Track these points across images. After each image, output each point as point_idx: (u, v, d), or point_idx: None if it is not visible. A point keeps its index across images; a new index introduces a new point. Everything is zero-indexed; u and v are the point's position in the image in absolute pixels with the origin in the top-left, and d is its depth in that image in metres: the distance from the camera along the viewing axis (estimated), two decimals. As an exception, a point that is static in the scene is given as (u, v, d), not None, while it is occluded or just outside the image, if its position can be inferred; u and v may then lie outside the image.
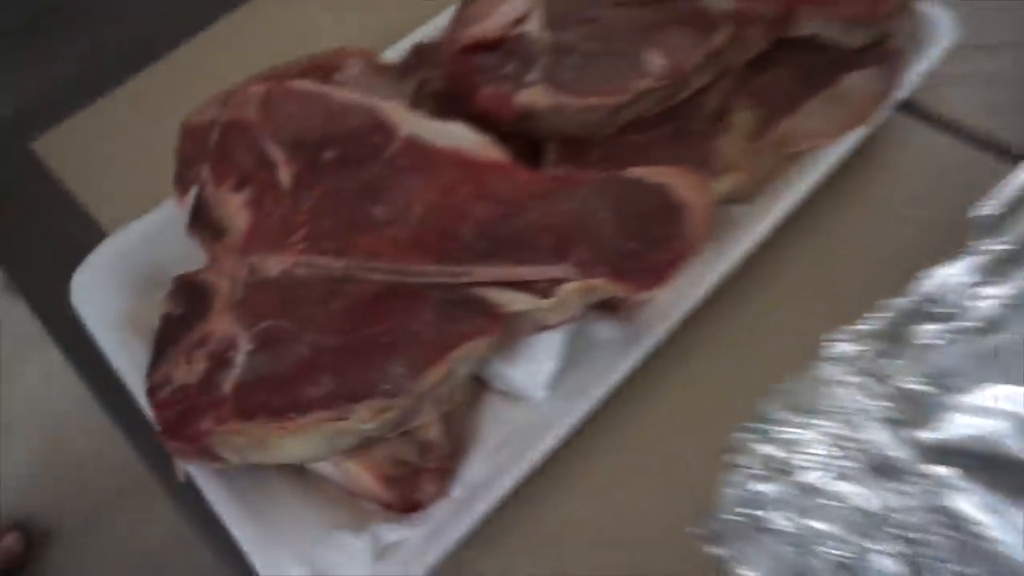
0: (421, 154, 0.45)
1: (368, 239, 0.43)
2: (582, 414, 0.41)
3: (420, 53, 0.55)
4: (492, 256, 0.42)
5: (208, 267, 0.44)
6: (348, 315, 0.40)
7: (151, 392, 0.40)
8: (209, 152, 0.47)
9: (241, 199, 0.45)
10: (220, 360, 0.40)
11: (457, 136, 0.45)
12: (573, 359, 0.44)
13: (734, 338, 0.47)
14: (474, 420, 0.43)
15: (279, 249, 0.43)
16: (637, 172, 0.44)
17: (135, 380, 0.44)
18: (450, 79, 0.52)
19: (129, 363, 0.45)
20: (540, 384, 0.43)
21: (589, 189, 0.43)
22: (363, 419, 0.38)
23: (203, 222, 0.45)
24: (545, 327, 0.43)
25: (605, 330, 0.45)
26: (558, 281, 0.41)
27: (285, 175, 0.46)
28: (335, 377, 0.38)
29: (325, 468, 0.41)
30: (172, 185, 0.50)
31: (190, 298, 0.43)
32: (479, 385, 0.44)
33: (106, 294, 0.48)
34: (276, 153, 0.46)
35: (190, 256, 0.50)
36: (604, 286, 0.40)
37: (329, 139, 0.46)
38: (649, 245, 0.41)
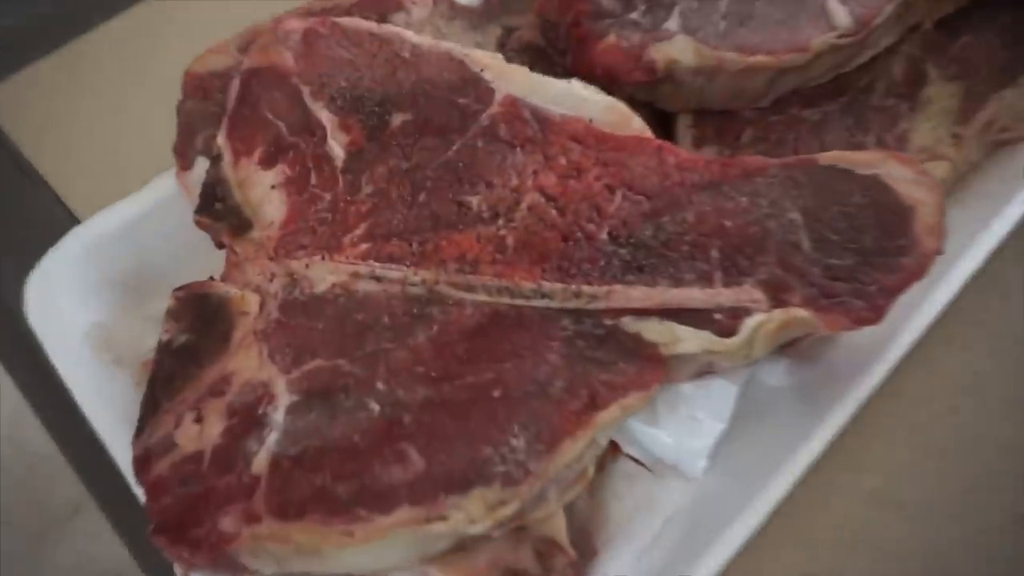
0: (530, 124, 0.32)
1: (460, 241, 0.30)
2: (771, 504, 0.28)
3: (503, -7, 0.42)
4: (639, 270, 0.29)
5: (225, 275, 0.31)
6: (439, 355, 0.27)
7: (140, 464, 0.27)
8: (226, 112, 0.34)
9: (274, 178, 0.32)
10: (247, 418, 0.27)
11: (581, 100, 0.33)
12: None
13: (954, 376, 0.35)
14: (605, 506, 0.30)
15: (331, 251, 0.30)
16: (836, 158, 0.31)
17: (114, 433, 0.31)
18: (549, 27, 0.39)
19: (104, 407, 0.31)
20: (701, 454, 0.30)
21: (771, 180, 0.31)
22: (470, 518, 0.25)
23: (218, 209, 0.32)
24: (708, 372, 0.31)
25: (774, 373, 0.33)
26: (740, 311, 0.28)
27: (337, 145, 0.32)
28: (427, 452, 0.25)
29: (399, 577, 0.28)
30: (171, 156, 0.37)
31: (200, 320, 0.29)
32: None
33: (72, 307, 0.34)
34: (324, 114, 0.33)
35: (193, 258, 0.36)
36: (809, 320, 0.28)
37: (399, 98, 0.33)
38: (866, 261, 0.29)
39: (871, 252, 0.29)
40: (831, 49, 0.35)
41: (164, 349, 0.29)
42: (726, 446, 0.31)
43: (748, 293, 0.29)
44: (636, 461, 0.31)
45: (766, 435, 0.31)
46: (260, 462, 0.26)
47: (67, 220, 0.41)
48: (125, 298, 0.36)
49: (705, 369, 0.31)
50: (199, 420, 0.27)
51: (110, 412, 0.31)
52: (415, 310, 0.28)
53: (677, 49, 0.35)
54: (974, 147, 0.37)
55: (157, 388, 0.28)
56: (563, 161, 0.31)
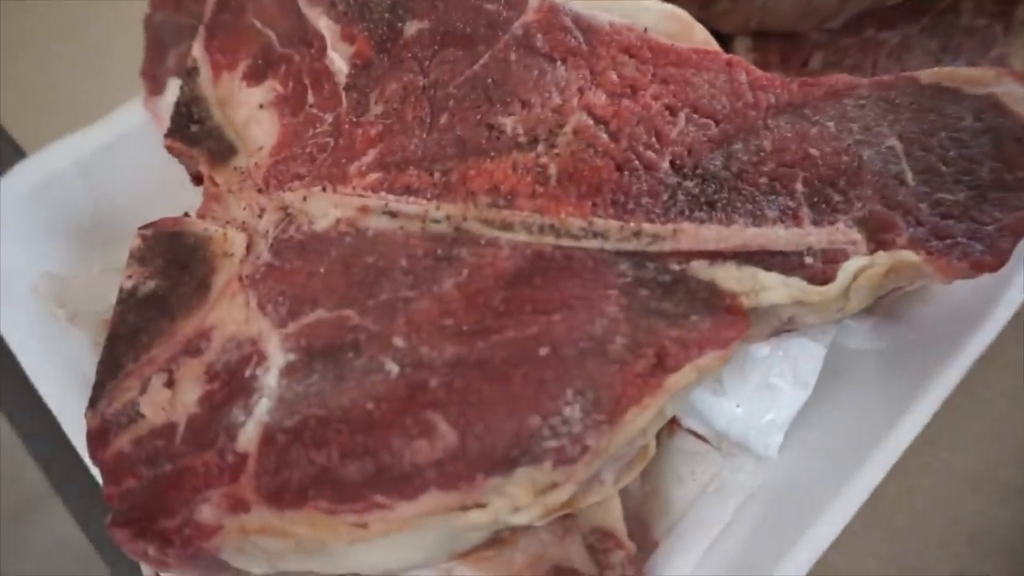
0: (573, 33, 0.27)
1: (492, 170, 0.25)
2: (866, 491, 0.23)
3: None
4: (709, 207, 0.24)
5: (203, 210, 0.26)
6: (471, 305, 0.22)
7: (96, 440, 0.21)
8: (204, 20, 0.28)
9: (262, 95, 0.26)
10: (232, 382, 0.21)
11: (633, 7, 0.27)
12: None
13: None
14: (664, 490, 0.25)
15: (334, 181, 0.25)
16: (940, 75, 0.26)
17: (66, 403, 0.25)
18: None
19: (56, 372, 0.26)
20: (777, 428, 0.25)
21: (862, 102, 0.26)
22: (515, 505, 0.20)
23: (194, 132, 0.26)
24: (786, 331, 0.26)
25: (856, 334, 0.28)
26: (836, 254, 0.23)
27: (340, 58, 0.27)
28: (459, 424, 0.20)
29: (418, 577, 0.23)
30: (137, 83, 0.31)
31: (172, 263, 0.24)
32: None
33: (17, 254, 0.29)
34: (323, 21, 0.27)
35: (164, 199, 0.31)
36: (918, 265, 0.23)
37: (413, 3, 0.27)
38: (983, 196, 0.24)
39: (988, 186, 0.24)
40: (919, -44, 0.30)
41: (127, 299, 0.23)
42: (802, 419, 0.26)
43: (844, 233, 0.24)
44: (698, 436, 0.26)
45: (851, 407, 0.26)
46: (248, 436, 0.20)
47: (13, 154, 0.35)
48: (82, 245, 0.30)
49: (784, 327, 0.26)
50: (170, 384, 0.22)
51: (62, 378, 0.25)
52: (439, 251, 0.23)
53: (742, -47, 0.30)
54: (1077, 77, 0.32)
55: (118, 346, 0.23)
56: (614, 77, 0.26)
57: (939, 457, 0.27)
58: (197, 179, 0.28)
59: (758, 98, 0.26)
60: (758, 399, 0.25)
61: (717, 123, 0.25)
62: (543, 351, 0.21)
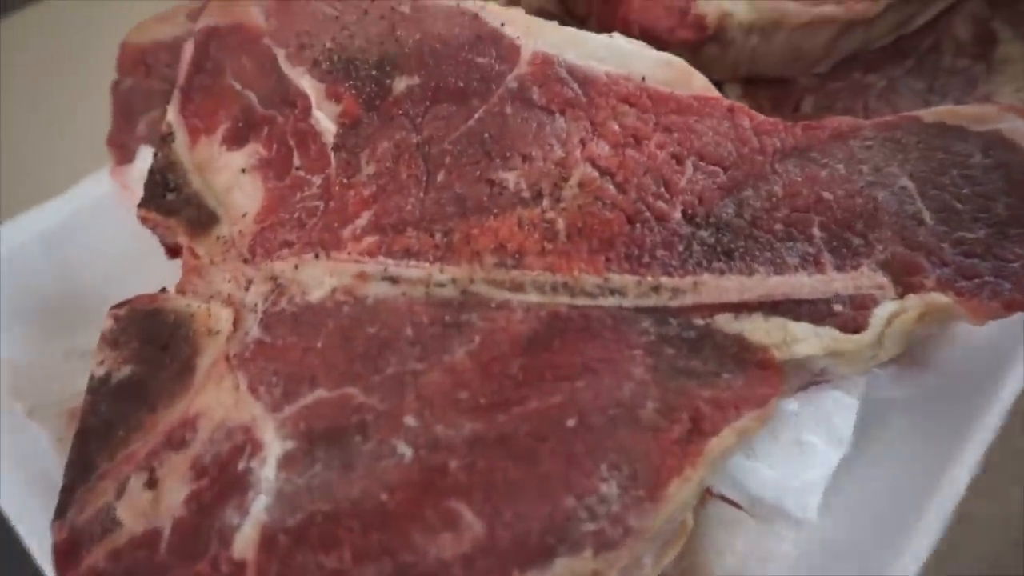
0: (569, 84, 0.26)
1: (496, 228, 0.23)
2: (920, 559, 0.22)
3: (506, -44, 0.36)
4: (727, 256, 0.23)
5: (182, 284, 0.23)
6: (486, 375, 0.20)
7: (65, 555, 0.19)
8: (178, 84, 0.26)
9: (244, 159, 0.25)
10: (224, 478, 0.19)
11: (628, 55, 0.26)
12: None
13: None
14: (704, 566, 0.23)
15: (327, 247, 0.23)
16: (943, 114, 0.26)
17: (25, 510, 0.22)
18: (567, -12, 0.33)
19: (14, 475, 0.23)
20: (813, 489, 0.24)
21: (867, 143, 0.25)
22: (555, 601, 0.17)
23: (169, 201, 0.24)
24: (815, 383, 0.24)
25: (880, 383, 0.26)
26: (864, 300, 0.22)
27: (325, 117, 0.25)
28: (485, 512, 0.18)
29: None
30: (103, 153, 0.29)
31: (149, 345, 0.22)
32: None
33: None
34: (306, 81, 0.26)
35: (134, 277, 0.28)
36: (950, 307, 0.22)
37: (401, 60, 0.26)
38: (1002, 233, 0.23)
39: (1007, 222, 0.23)
40: (899, 1, 0.30)
41: (99, 387, 0.21)
42: (839, 478, 0.24)
43: (869, 277, 0.23)
44: (731, 503, 0.24)
45: (889, 462, 0.24)
46: (245, 540, 0.18)
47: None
48: (44, 328, 0.28)
49: (813, 379, 0.24)
50: (152, 485, 0.19)
51: (20, 481, 0.22)
52: (447, 318, 0.21)
53: (730, 1, 0.29)
54: (1059, 113, 0.32)
55: (89, 443, 0.20)
56: (616, 127, 0.25)
57: (979, 507, 0.26)
58: (173, 252, 0.26)
59: (763, 143, 0.25)
60: (791, 459, 0.24)
61: (725, 170, 0.25)
62: (570, 422, 0.19)
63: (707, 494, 0.25)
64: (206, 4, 0.31)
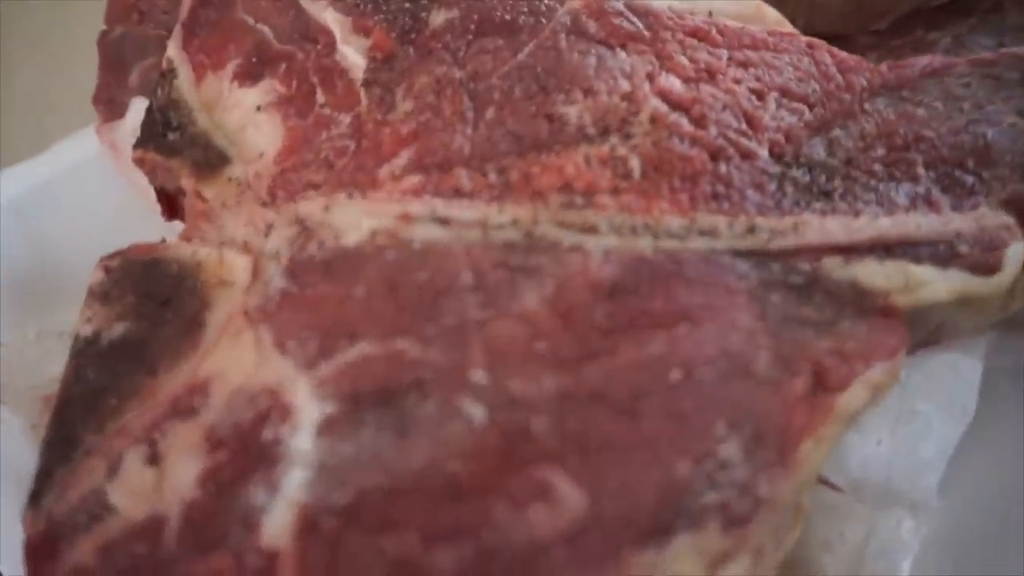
0: (628, 18, 0.23)
1: (560, 166, 0.20)
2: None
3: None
4: (826, 197, 0.20)
5: (188, 231, 0.20)
6: (567, 323, 0.17)
7: (40, 549, 0.14)
8: (180, 19, 0.23)
9: (259, 96, 0.21)
10: (246, 449, 0.15)
11: (690, -11, 0.24)
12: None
13: None
14: (813, 560, 0.20)
15: (362, 187, 0.19)
16: (1040, 51, 0.23)
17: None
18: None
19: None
20: (932, 467, 0.20)
21: (964, 80, 0.22)
22: (677, 592, 0.14)
23: (171, 141, 0.20)
24: (934, 342, 0.21)
25: (997, 351, 0.23)
26: (991, 241, 0.19)
27: (353, 52, 0.22)
28: (584, 480, 0.14)
29: None
30: (91, 104, 0.26)
31: (147, 299, 0.18)
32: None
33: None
34: (329, 14, 0.23)
35: (116, 244, 0.25)
36: (1088, 247, 0.19)
37: (435, -6, 0.23)
38: None
39: None
40: (965, -50, 0.28)
41: (86, 349, 0.17)
42: (960, 453, 0.21)
43: (993, 217, 0.20)
44: (831, 486, 0.21)
45: (1008, 435, 0.21)
46: (276, 525, 0.14)
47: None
48: (15, 306, 0.23)
49: (927, 339, 0.21)
50: (154, 461, 0.15)
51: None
52: (512, 261, 0.18)
53: (789, -56, 0.27)
54: None
55: (72, 415, 0.16)
56: (685, 62, 0.22)
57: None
58: (171, 212, 0.23)
59: (849, 80, 0.22)
60: (903, 432, 0.21)
61: (810, 107, 0.22)
62: (674, 375, 0.16)
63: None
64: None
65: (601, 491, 0.14)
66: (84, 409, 0.16)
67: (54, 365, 0.22)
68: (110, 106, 0.26)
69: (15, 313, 0.23)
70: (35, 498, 0.15)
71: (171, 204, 0.23)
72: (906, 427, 0.21)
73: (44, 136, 0.27)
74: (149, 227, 0.25)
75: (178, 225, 0.23)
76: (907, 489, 0.20)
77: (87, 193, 0.25)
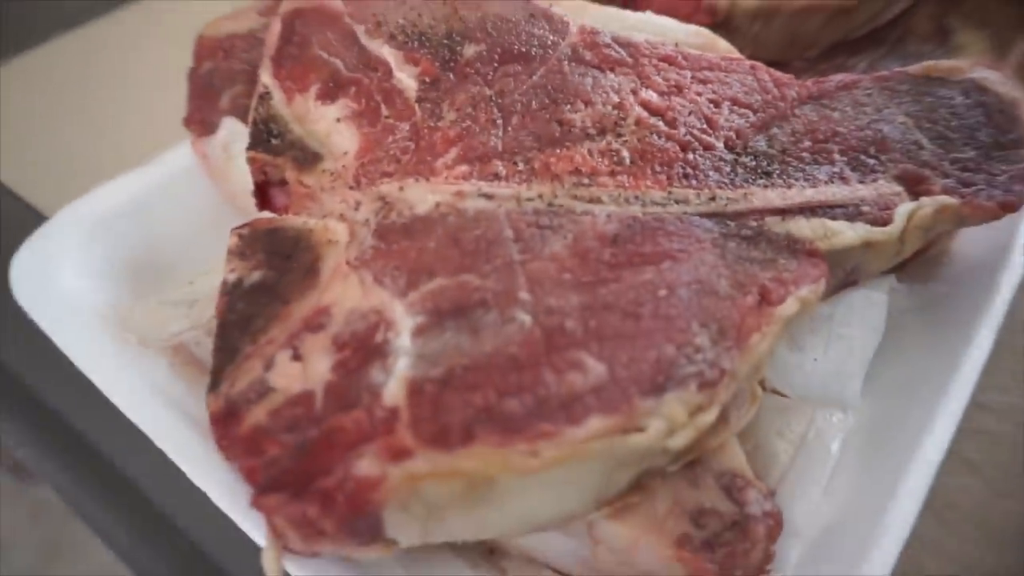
0: (615, 49, 0.30)
1: (571, 156, 0.26)
2: (952, 425, 0.25)
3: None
4: (767, 175, 0.27)
5: (296, 208, 0.26)
6: (584, 261, 0.23)
7: (223, 420, 0.20)
8: (268, 54, 0.30)
9: (338, 111, 0.28)
10: (362, 348, 0.21)
11: (662, 27, 0.31)
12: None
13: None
14: (767, 444, 0.26)
15: (424, 174, 0.26)
16: (926, 69, 0.31)
17: (157, 419, 0.24)
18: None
19: (139, 392, 0.24)
20: (856, 375, 0.27)
21: (868, 91, 0.30)
22: (671, 426, 0.20)
23: (275, 144, 0.27)
24: (852, 282, 0.28)
25: (897, 297, 0.30)
26: (888, 202, 0.26)
27: (407, 77, 0.29)
28: (604, 356, 0.21)
29: (561, 549, 0.22)
30: (184, 125, 0.32)
31: (275, 255, 0.24)
32: (737, 391, 0.28)
33: (76, 288, 0.28)
34: (385, 50, 0.29)
35: (213, 240, 0.31)
36: (954, 208, 0.26)
37: (466, 32, 0.30)
38: (987, 154, 0.28)
39: (990, 146, 0.28)
40: (878, -8, 0.36)
41: (233, 290, 0.23)
42: (874, 365, 0.27)
43: (888, 187, 0.27)
44: (781, 395, 0.27)
45: (915, 349, 0.28)
46: (393, 391, 0.20)
47: (33, 218, 0.34)
48: (136, 283, 0.29)
49: (847, 278, 0.28)
50: (298, 358, 0.21)
51: (147, 393, 0.24)
52: (541, 221, 0.24)
53: (736, -9, 0.34)
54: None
55: (231, 333, 0.22)
56: (659, 80, 0.29)
57: (993, 399, 0.29)
58: (263, 200, 0.29)
59: (783, 92, 0.30)
60: (832, 351, 0.27)
61: (754, 112, 0.29)
62: (662, 292, 0.22)
63: (762, 388, 0.28)
64: (277, 2, 0.35)
65: (616, 363, 0.20)
66: (239, 329, 0.22)
67: (173, 324, 0.28)
68: (202, 125, 0.32)
69: (139, 288, 0.29)
70: (213, 387, 0.21)
71: (263, 195, 0.29)
72: (835, 346, 0.27)
73: (135, 151, 0.33)
74: (232, 221, 0.32)
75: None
76: (837, 392, 0.27)
77: (184, 194, 0.31)
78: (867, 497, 0.24)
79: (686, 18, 0.35)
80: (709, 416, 0.21)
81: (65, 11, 0.47)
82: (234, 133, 0.31)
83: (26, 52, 0.46)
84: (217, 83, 0.32)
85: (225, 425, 0.20)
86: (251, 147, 0.27)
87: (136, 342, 0.26)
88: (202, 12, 0.35)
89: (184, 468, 0.23)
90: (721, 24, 0.35)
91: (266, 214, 0.29)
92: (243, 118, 0.31)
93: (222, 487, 0.22)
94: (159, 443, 0.23)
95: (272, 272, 0.23)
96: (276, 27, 0.30)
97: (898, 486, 0.23)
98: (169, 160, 0.32)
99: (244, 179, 0.28)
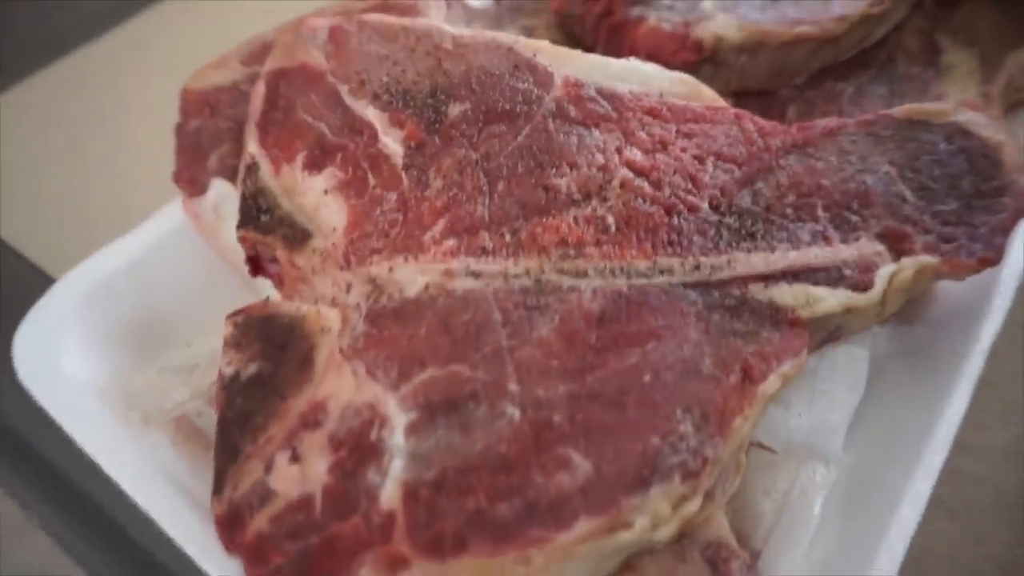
0: (600, 102, 0.30)
1: (556, 226, 0.27)
2: (933, 476, 0.26)
3: (514, -5, 0.40)
4: (751, 237, 0.27)
5: (288, 292, 0.26)
6: (570, 346, 0.24)
7: (230, 525, 0.21)
8: (252, 119, 0.30)
9: (325, 182, 0.28)
10: (358, 448, 0.22)
11: (646, 75, 0.31)
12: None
13: None
14: (753, 503, 0.27)
15: (413, 252, 0.26)
16: (910, 111, 0.31)
17: (165, 504, 0.25)
18: (572, 21, 0.38)
19: (146, 475, 0.25)
20: (838, 430, 0.28)
21: (853, 137, 0.30)
22: (656, 521, 0.21)
23: (265, 222, 0.27)
24: (831, 341, 0.29)
25: (881, 341, 0.31)
26: (868, 264, 0.27)
27: (392, 141, 0.29)
28: (590, 453, 0.21)
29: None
30: (173, 182, 0.32)
31: (270, 345, 0.25)
32: (724, 443, 0.29)
33: (77, 363, 0.28)
34: (370, 111, 0.29)
35: (210, 297, 0.31)
36: (936, 266, 0.27)
37: (451, 89, 0.30)
38: (969, 204, 0.28)
39: (972, 195, 0.28)
40: (862, 19, 0.36)
41: (231, 384, 0.24)
42: (857, 418, 0.28)
43: (869, 247, 0.27)
44: (768, 449, 0.28)
45: (897, 400, 0.29)
46: (389, 495, 0.21)
47: (40, 280, 0.34)
48: (136, 349, 0.30)
49: (830, 337, 0.29)
50: (296, 459, 0.22)
51: (150, 477, 0.25)
52: (528, 301, 0.25)
53: (721, 26, 0.34)
54: (997, 106, 0.38)
55: (231, 431, 0.23)
56: (644, 136, 0.29)
57: (973, 439, 0.30)
58: (255, 269, 0.29)
59: (768, 142, 0.30)
60: (817, 405, 0.28)
61: (739, 166, 0.29)
62: (646, 378, 0.23)
63: (748, 443, 0.29)
64: (260, 49, 0.34)
65: (602, 460, 0.21)
66: (239, 428, 0.23)
67: (176, 393, 0.29)
68: (192, 184, 0.32)
69: (140, 352, 0.30)
70: (217, 491, 0.22)
71: (255, 265, 0.29)
72: (818, 402, 0.28)
73: (128, 208, 0.33)
74: (229, 283, 0.32)
75: (248, 285, 0.30)
76: (820, 447, 0.28)
77: (179, 255, 0.32)
78: (848, 559, 0.25)
79: (672, 55, 0.34)
80: (693, 505, 0.22)
81: (51, 37, 0.47)
82: (223, 195, 0.31)
83: (12, 86, 0.45)
84: (204, 142, 0.32)
85: (231, 532, 0.21)
86: (241, 225, 0.27)
87: (139, 419, 0.27)
88: (194, 35, 0.34)
89: (189, 552, 0.24)
90: (708, 59, 0.34)
91: (261, 280, 0.29)
92: (231, 178, 0.31)
93: (226, 570, 0.23)
94: (163, 526, 0.24)
95: (268, 364, 0.24)
96: (260, 89, 0.30)
97: (879, 547, 0.24)
98: (161, 219, 0.32)
99: (236, 239, 0.29)
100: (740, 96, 0.37)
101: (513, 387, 0.23)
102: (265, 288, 0.30)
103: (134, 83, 0.41)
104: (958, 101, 0.31)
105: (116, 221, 0.33)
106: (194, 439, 0.27)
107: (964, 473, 0.30)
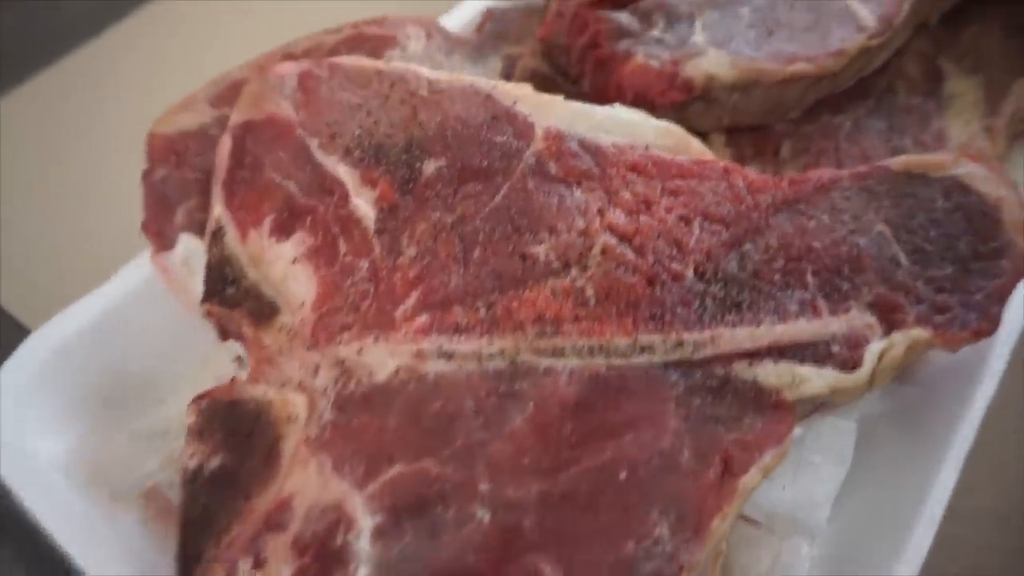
0: (582, 157, 0.28)
1: (533, 299, 0.26)
2: (922, 554, 0.25)
3: (497, 20, 0.38)
4: (737, 308, 0.26)
5: (254, 374, 0.25)
6: (543, 440, 0.23)
7: (193, 635, 0.21)
8: (217, 177, 0.28)
9: (293, 249, 0.27)
10: (324, 553, 0.21)
11: (631, 125, 0.29)
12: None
13: None
14: (734, 577, 0.27)
15: (383, 329, 0.25)
16: (908, 163, 0.29)
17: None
18: (558, 52, 0.36)
19: (115, 562, 0.25)
20: (823, 504, 0.27)
21: (846, 193, 0.28)
22: (629, 635, 0.20)
23: (230, 294, 0.26)
24: (817, 411, 0.28)
25: (872, 401, 0.30)
26: (857, 339, 0.26)
27: (364, 203, 0.27)
28: (562, 562, 0.21)
29: None
30: (142, 232, 0.31)
31: (234, 435, 0.24)
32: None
33: (42, 434, 0.28)
34: (341, 169, 0.28)
35: (182, 356, 0.31)
36: (928, 340, 0.26)
37: (426, 143, 0.29)
38: (966, 268, 0.27)
39: (969, 258, 0.27)
40: (860, 52, 0.34)
41: (194, 479, 0.23)
42: (843, 489, 0.28)
43: (860, 318, 0.26)
44: (751, 522, 0.28)
45: (885, 470, 0.28)
46: (355, 607, 0.20)
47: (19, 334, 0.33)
48: (106, 415, 0.29)
49: (815, 409, 0.28)
50: (260, 565, 0.21)
51: (116, 562, 0.24)
52: (501, 387, 0.24)
53: (713, 64, 0.32)
54: (1002, 139, 0.37)
55: (194, 533, 0.22)
56: (628, 195, 0.28)
57: (963, 503, 0.29)
58: (225, 334, 0.28)
59: (757, 200, 0.28)
60: (801, 479, 0.27)
61: (727, 227, 0.28)
62: (622, 475, 0.22)
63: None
64: (228, 89, 0.33)
65: (573, 568, 0.21)
66: (201, 529, 0.22)
67: (148, 462, 0.28)
68: (159, 237, 0.31)
69: (108, 421, 0.29)
70: (180, 598, 0.21)
71: (223, 330, 0.28)
72: (803, 474, 0.27)
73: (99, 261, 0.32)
74: (199, 339, 0.31)
75: (221, 345, 0.29)
76: (804, 521, 0.27)
77: (147, 312, 0.31)
78: (827, 644, 0.24)
79: (661, 94, 0.33)
80: (668, 613, 0.21)
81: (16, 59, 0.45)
82: (191, 250, 0.30)
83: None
84: (171, 195, 0.31)
85: (194, 642, 0.21)
86: (206, 298, 0.26)
87: (108, 496, 0.27)
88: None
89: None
90: (699, 97, 0.33)
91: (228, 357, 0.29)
92: (199, 233, 0.30)
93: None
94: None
95: (232, 456, 0.23)
96: (227, 145, 0.29)
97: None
98: (127, 275, 0.31)
99: (205, 299, 0.28)
100: (732, 132, 0.35)
101: (484, 487, 0.22)
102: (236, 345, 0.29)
103: (100, 104, 0.39)
104: (959, 148, 0.30)
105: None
106: (165, 515, 0.27)
107: (951, 538, 0.29)
